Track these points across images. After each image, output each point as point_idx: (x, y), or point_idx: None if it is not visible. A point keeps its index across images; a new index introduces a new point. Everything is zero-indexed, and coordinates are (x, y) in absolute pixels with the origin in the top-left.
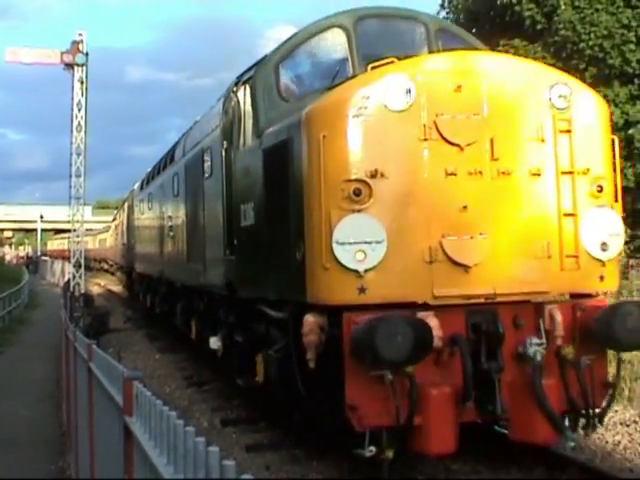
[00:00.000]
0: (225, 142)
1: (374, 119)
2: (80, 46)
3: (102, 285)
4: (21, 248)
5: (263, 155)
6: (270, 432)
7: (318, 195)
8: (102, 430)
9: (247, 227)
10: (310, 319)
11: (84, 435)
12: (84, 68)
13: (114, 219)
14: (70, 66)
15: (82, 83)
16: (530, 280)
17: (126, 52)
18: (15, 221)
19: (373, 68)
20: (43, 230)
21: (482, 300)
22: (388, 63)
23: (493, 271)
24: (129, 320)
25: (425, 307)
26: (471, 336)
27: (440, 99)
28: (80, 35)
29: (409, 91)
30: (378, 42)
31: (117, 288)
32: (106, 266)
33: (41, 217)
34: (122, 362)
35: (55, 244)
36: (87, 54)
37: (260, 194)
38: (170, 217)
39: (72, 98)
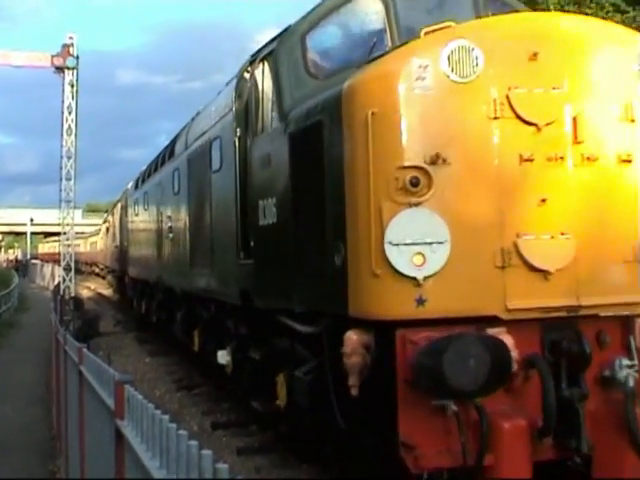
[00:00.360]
0: (239, 129)
1: (434, 93)
2: (70, 49)
3: (92, 289)
4: (10, 251)
5: (289, 140)
6: (261, 435)
7: (365, 186)
8: (93, 433)
9: (268, 226)
10: (353, 337)
11: (74, 438)
12: (74, 71)
13: (105, 221)
14: (61, 69)
15: (72, 86)
16: (618, 289)
17: (117, 55)
18: (4, 224)
19: (427, 33)
20: (33, 233)
21: (563, 313)
22: (444, 28)
23: (577, 278)
24: (119, 324)
25: (491, 321)
26: (548, 357)
27: (513, 69)
28: (71, 38)
29: (476, 59)
30: (418, 10)
31: (107, 292)
32: (97, 270)
33: (31, 220)
34: (112, 365)
35: (47, 247)
36: (78, 57)
37: (285, 187)
38: (169, 217)
39: (62, 101)
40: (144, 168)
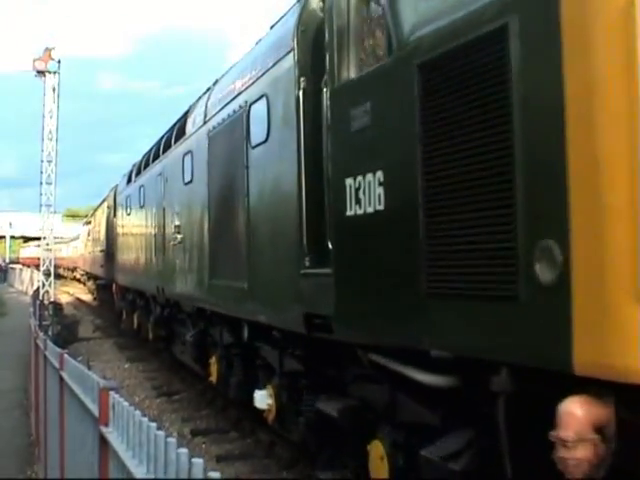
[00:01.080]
0: (303, 79)
1: None
2: (52, 53)
3: (71, 294)
4: None
5: (420, 75)
6: (240, 442)
7: (625, 137)
8: (74, 439)
9: (364, 217)
10: (577, 412)
11: (54, 444)
12: (56, 75)
13: (88, 222)
14: (42, 73)
15: (54, 90)
16: None
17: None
18: None
19: None
20: (12, 237)
21: None
22: None
23: None
24: (98, 329)
25: None
26: None
27: None
28: (52, 42)
29: None
30: None
31: (87, 297)
32: (78, 275)
33: (10, 224)
34: (91, 371)
35: (28, 252)
36: (59, 61)
37: (406, 152)
38: (176, 214)
39: (44, 105)
40: (139, 159)
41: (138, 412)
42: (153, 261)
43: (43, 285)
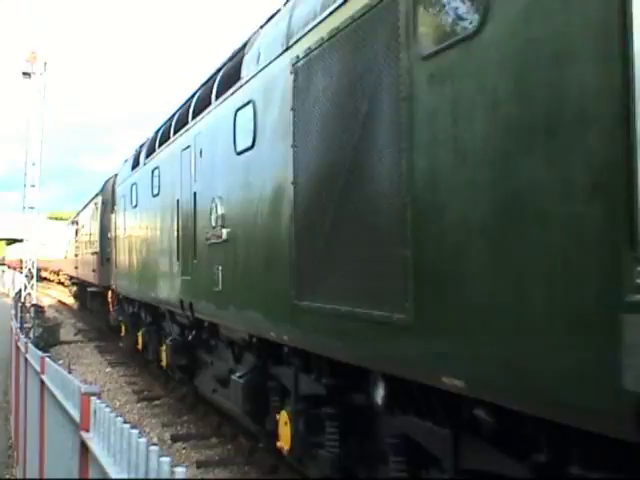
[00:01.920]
0: None
1: None
2: (38, 55)
3: (53, 296)
4: None
5: None
6: (221, 448)
7: None
8: (53, 443)
9: None
10: None
11: (33, 447)
12: (42, 77)
13: (74, 222)
14: (27, 75)
15: (39, 93)
16: None
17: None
18: None
19: None
20: None
21: None
22: None
23: None
24: (80, 332)
25: None
26: None
27: None
28: (38, 45)
29: None
30: None
31: (69, 300)
32: (62, 278)
33: None
34: (72, 375)
35: (14, 254)
36: (45, 64)
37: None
38: (219, 200)
39: (29, 108)
40: (147, 138)
41: (120, 419)
42: (175, 267)
43: (25, 287)
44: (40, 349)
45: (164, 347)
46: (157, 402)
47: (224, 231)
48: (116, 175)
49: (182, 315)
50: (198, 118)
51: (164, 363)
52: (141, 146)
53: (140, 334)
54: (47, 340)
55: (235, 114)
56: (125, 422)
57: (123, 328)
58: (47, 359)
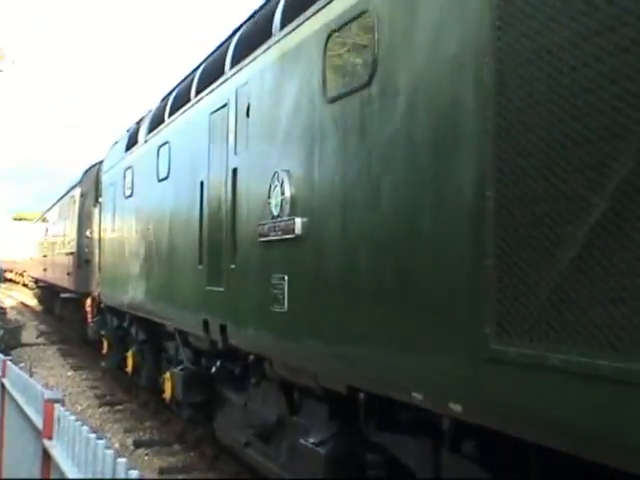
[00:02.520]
0: None
1: None
2: (6, 52)
3: (16, 298)
4: None
5: None
6: (184, 455)
7: None
8: (14, 450)
9: None
10: None
11: None
12: (9, 75)
13: (43, 220)
14: None
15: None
16: None
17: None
18: None
19: None
20: None
21: None
22: None
23: None
24: (42, 335)
25: None
26: None
27: None
28: (6, 41)
29: None
30: None
31: (32, 302)
32: (26, 280)
33: None
34: (33, 378)
35: None
36: (14, 62)
37: None
38: (286, 176)
39: None
40: (150, 109)
41: (86, 427)
42: (195, 273)
43: None
44: (1, 351)
45: (169, 376)
46: (119, 407)
47: (297, 222)
48: (101, 162)
49: (201, 338)
50: (246, 61)
51: (167, 395)
52: (139, 121)
53: (130, 354)
54: (8, 342)
55: (327, 38)
56: (91, 431)
57: (105, 344)
58: (9, 362)
